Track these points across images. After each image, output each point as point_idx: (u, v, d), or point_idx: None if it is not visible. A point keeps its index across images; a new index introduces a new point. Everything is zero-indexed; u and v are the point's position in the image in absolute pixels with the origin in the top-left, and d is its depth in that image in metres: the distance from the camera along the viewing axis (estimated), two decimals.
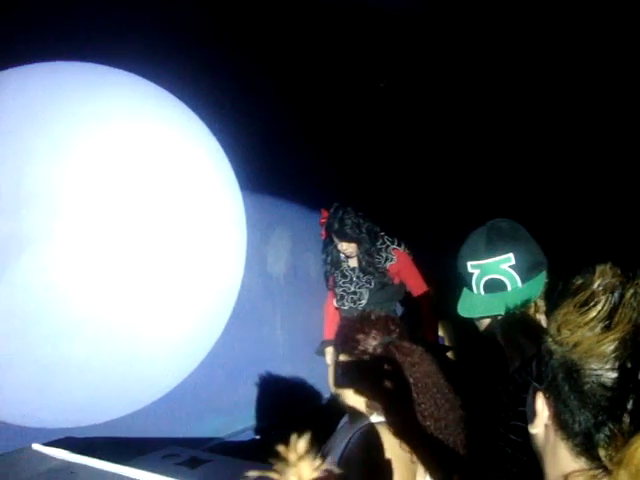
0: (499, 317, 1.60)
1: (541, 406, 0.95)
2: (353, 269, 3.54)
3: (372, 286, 3.51)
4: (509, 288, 1.60)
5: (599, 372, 0.87)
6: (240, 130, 2.94)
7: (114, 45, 2.31)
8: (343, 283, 3.56)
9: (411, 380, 1.78)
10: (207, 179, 2.05)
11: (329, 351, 3.22)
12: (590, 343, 0.88)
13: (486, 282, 1.63)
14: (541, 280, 1.61)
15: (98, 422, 2.06)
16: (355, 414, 1.88)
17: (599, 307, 0.90)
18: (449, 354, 3.55)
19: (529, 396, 1.02)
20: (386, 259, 3.50)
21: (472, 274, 1.65)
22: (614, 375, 0.86)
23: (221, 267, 2.11)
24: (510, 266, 1.61)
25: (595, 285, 0.93)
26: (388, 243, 3.54)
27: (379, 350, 1.85)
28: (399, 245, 3.57)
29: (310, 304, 3.67)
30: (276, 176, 3.37)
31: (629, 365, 0.86)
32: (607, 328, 0.88)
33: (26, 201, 1.59)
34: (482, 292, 1.64)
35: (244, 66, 3.22)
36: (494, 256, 1.62)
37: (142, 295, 1.77)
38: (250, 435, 3.22)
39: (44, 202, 1.60)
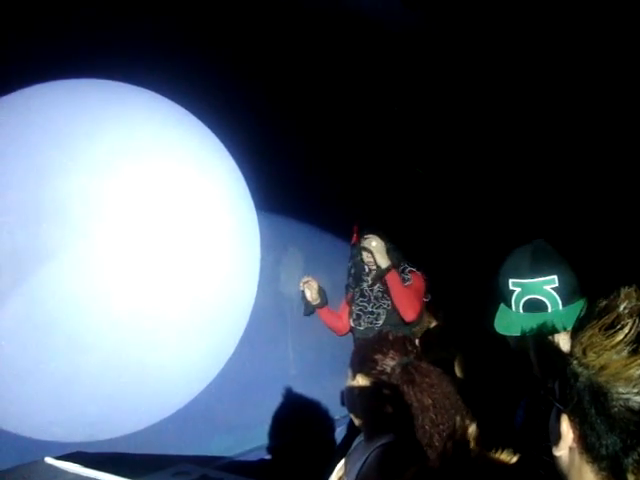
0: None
1: (566, 429, 0.93)
2: (372, 289, 3.52)
3: (389, 307, 3.49)
4: (549, 310, 1.58)
5: (627, 396, 0.86)
6: (256, 151, 2.97)
7: (135, 64, 2.36)
8: (361, 302, 3.55)
9: (430, 401, 1.78)
10: (223, 199, 2.09)
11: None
12: (617, 367, 0.87)
13: (527, 301, 1.61)
14: (580, 306, 1.54)
15: (110, 437, 2.07)
16: (371, 434, 1.87)
17: (626, 330, 0.88)
18: (457, 372, 3.52)
19: (552, 418, 1.01)
20: (406, 280, 3.49)
21: (513, 291, 1.63)
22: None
23: (234, 287, 2.13)
24: (553, 288, 1.59)
25: (621, 308, 0.91)
26: (406, 265, 3.53)
27: (397, 371, 1.85)
28: (418, 269, 3.56)
29: (322, 325, 3.67)
30: (290, 197, 3.39)
31: None
32: (634, 352, 0.86)
33: (46, 215, 1.62)
34: (521, 310, 1.62)
35: (262, 87, 3.26)
36: (538, 276, 1.60)
37: (157, 312, 1.79)
38: (260, 454, 3.21)
39: (64, 216, 1.63)
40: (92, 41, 2.35)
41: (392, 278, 3.43)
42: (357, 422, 1.94)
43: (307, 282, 3.36)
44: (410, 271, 3.52)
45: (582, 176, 3.90)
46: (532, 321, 1.58)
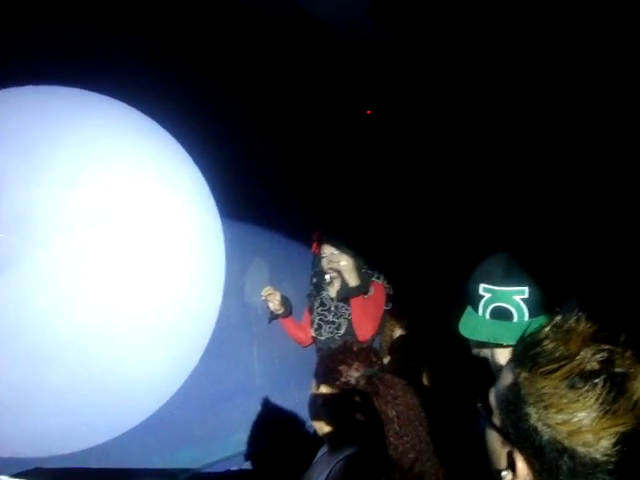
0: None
1: (522, 467, 0.92)
2: (332, 298, 3.50)
3: (350, 317, 3.46)
4: (515, 319, 1.60)
5: (594, 455, 0.85)
6: (221, 160, 2.96)
7: (102, 72, 2.33)
8: (321, 311, 3.53)
9: (394, 412, 1.78)
10: (187, 208, 2.07)
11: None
12: (588, 436, 0.85)
13: (494, 308, 1.62)
14: (543, 320, 1.54)
15: (71, 451, 2.02)
16: (335, 445, 1.87)
17: (597, 391, 0.85)
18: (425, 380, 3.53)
19: (492, 441, 0.99)
20: (368, 291, 3.47)
21: (482, 296, 1.64)
22: (614, 464, 0.84)
23: (198, 297, 2.11)
24: (522, 299, 1.60)
25: (587, 356, 0.88)
26: (368, 274, 3.51)
27: (362, 382, 1.85)
28: (378, 278, 3.54)
29: (287, 335, 3.65)
30: (255, 206, 3.38)
31: (633, 459, 0.83)
32: (606, 414, 0.84)
33: (6, 225, 1.59)
34: (487, 316, 1.63)
35: (226, 95, 3.25)
36: (510, 285, 1.61)
37: (119, 323, 1.76)
38: (226, 466, 3.18)
39: (23, 226, 1.59)
40: (57, 48, 2.32)
41: (356, 302, 3.40)
42: (320, 433, 1.93)
43: (269, 293, 3.34)
44: (371, 282, 3.50)
45: (550, 192, 3.98)
46: (496, 328, 1.60)
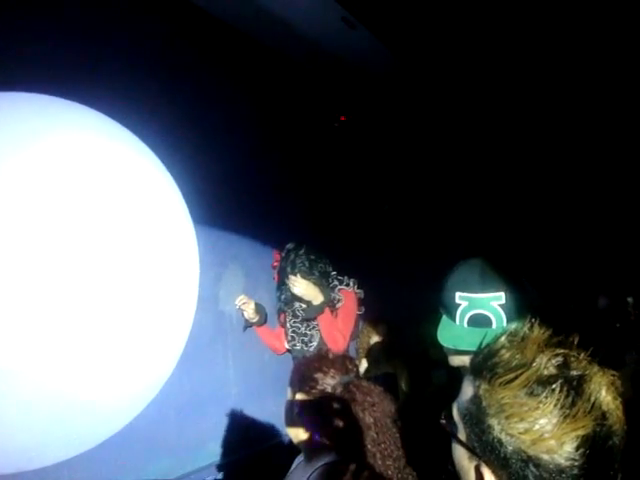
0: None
1: (489, 479, 0.92)
2: (304, 310, 3.47)
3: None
4: (494, 326, 1.58)
5: (559, 460, 0.85)
6: (194, 167, 2.93)
7: (66, 75, 2.29)
8: (294, 323, 3.51)
9: (371, 420, 1.78)
10: (160, 216, 2.04)
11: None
12: (550, 442, 0.85)
13: (472, 316, 1.61)
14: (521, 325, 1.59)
15: (40, 466, 1.98)
16: (311, 453, 1.86)
17: (556, 396, 0.86)
18: (401, 386, 3.53)
19: (459, 456, 0.99)
20: (337, 301, 3.45)
21: (459, 305, 1.63)
22: (579, 468, 0.85)
23: (173, 305, 2.08)
24: (500, 304, 1.60)
25: (542, 362, 0.89)
26: (336, 283, 3.48)
27: (339, 389, 1.84)
28: (347, 285, 3.52)
29: (263, 343, 3.63)
30: (230, 214, 3.36)
31: (596, 461, 0.84)
32: (565, 419, 0.85)
33: None
34: (465, 324, 1.61)
35: (200, 101, 3.23)
36: (486, 292, 1.60)
37: (88, 335, 1.73)
38: (201, 476, 3.15)
39: None
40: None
41: (323, 318, 3.38)
42: (296, 441, 1.92)
43: (243, 302, 3.31)
44: (340, 290, 3.48)
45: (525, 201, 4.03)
46: (476, 336, 1.58)
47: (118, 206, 1.83)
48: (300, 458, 2.01)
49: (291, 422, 1.93)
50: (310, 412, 1.86)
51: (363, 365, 3.60)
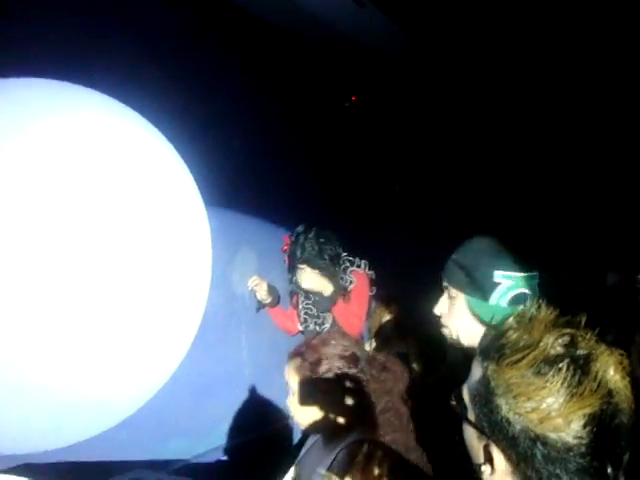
0: None
1: (498, 459, 0.94)
2: (315, 302, 3.46)
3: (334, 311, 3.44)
4: (527, 304, 1.57)
5: (566, 439, 0.86)
6: (205, 149, 2.93)
7: (80, 61, 2.29)
8: (306, 305, 3.50)
9: (387, 398, 1.79)
10: (172, 199, 2.04)
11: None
12: (558, 421, 0.86)
13: (515, 295, 1.57)
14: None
15: (60, 447, 2.01)
16: (331, 434, 1.83)
17: (562, 375, 0.87)
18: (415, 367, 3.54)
19: (469, 436, 1.00)
20: (350, 282, 3.44)
21: (497, 284, 1.57)
22: (586, 446, 0.85)
23: (186, 287, 2.09)
24: (537, 283, 1.59)
25: (549, 341, 0.90)
26: (347, 264, 3.47)
27: (353, 369, 1.84)
28: (358, 266, 3.51)
29: (275, 324, 3.65)
30: (241, 195, 3.36)
31: (603, 439, 0.85)
32: (572, 397, 0.86)
33: None
34: (504, 304, 1.57)
35: (212, 83, 3.22)
36: (529, 270, 1.58)
37: (103, 316, 1.74)
38: (216, 456, 3.18)
39: None
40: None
41: (337, 308, 3.38)
42: (309, 422, 1.88)
43: (256, 283, 3.31)
44: (352, 271, 3.47)
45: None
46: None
47: (131, 191, 1.84)
48: (314, 439, 2.00)
49: (305, 404, 1.90)
50: (326, 392, 1.84)
51: (374, 344, 3.61)
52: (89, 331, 1.70)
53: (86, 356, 1.73)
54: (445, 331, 1.72)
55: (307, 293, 3.49)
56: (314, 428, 1.88)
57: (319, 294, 3.34)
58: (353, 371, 1.83)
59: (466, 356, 1.61)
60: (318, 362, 1.87)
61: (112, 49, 2.58)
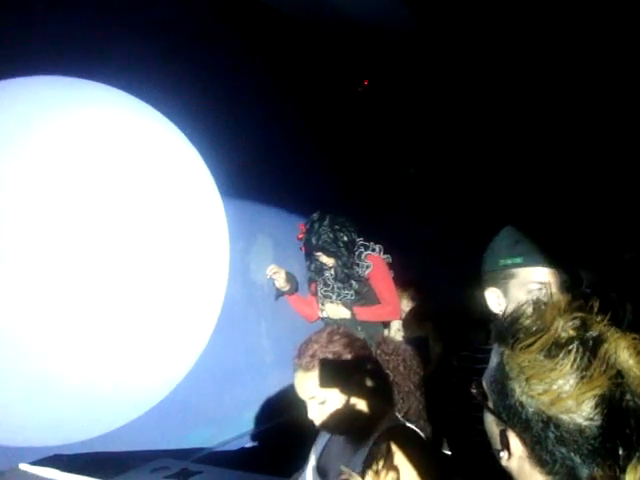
0: None
1: (515, 445, 0.95)
2: (335, 279, 3.49)
3: (353, 297, 3.46)
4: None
5: (579, 421, 0.87)
6: (221, 139, 2.93)
7: (97, 58, 2.30)
8: (325, 292, 3.53)
9: (406, 382, 1.79)
10: (188, 189, 2.05)
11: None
12: (568, 402, 0.87)
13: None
14: None
15: (86, 438, 2.04)
16: (358, 428, 1.75)
17: (572, 356, 0.88)
18: (436, 350, 3.54)
19: (489, 423, 1.02)
20: (366, 267, 3.45)
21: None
22: (597, 427, 0.86)
23: (205, 277, 2.11)
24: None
25: (559, 326, 0.91)
26: (362, 249, 3.48)
27: (368, 355, 1.84)
28: (373, 250, 3.51)
29: (294, 311, 3.66)
30: (258, 184, 3.36)
31: (613, 420, 0.85)
32: (582, 379, 0.87)
33: None
34: None
35: (225, 74, 3.21)
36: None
37: (127, 307, 1.76)
38: (240, 444, 3.21)
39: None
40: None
41: (359, 312, 3.47)
42: (330, 428, 1.82)
43: (274, 271, 3.34)
44: (367, 255, 3.48)
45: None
46: None
47: (147, 182, 1.85)
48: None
49: (334, 404, 1.76)
50: (349, 385, 1.78)
51: (394, 328, 3.61)
52: (112, 322, 1.73)
53: (109, 349, 1.75)
54: None
55: (325, 280, 3.51)
56: (344, 426, 1.78)
57: (343, 320, 3.44)
58: (370, 357, 1.83)
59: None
60: (338, 357, 1.81)
61: (127, 45, 2.58)
